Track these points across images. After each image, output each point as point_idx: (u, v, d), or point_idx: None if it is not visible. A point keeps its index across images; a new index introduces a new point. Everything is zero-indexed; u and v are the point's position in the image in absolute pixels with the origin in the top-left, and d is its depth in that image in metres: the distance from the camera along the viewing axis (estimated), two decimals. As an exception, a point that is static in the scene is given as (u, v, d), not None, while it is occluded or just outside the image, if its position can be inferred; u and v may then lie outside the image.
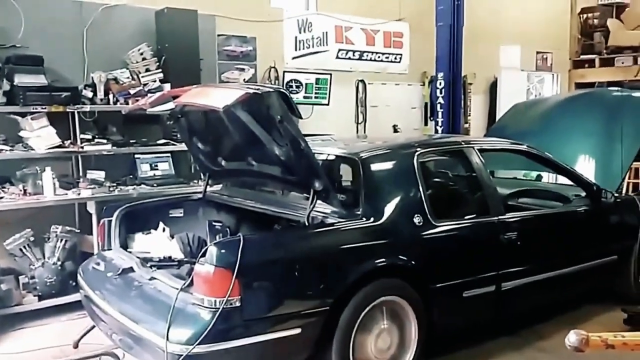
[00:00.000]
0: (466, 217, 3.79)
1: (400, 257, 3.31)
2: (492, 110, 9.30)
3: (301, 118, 3.17)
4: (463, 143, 4.10)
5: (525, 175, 5.51)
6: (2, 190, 4.57)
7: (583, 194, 4.51)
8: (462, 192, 4.21)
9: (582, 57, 10.84)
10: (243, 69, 6.36)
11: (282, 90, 3.01)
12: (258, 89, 2.87)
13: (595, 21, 10.88)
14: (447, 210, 3.69)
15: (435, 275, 3.46)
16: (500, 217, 3.82)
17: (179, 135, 5.07)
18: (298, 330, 2.91)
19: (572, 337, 2.03)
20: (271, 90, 2.92)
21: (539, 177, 5.46)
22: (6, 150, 4.60)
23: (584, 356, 2.19)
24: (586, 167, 5.10)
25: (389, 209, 3.36)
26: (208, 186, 4.22)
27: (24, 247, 4.55)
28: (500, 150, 4.43)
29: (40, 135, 4.69)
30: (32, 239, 4.58)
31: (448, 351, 3.81)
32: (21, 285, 4.58)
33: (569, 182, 4.61)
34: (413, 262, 3.33)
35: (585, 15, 10.99)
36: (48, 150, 4.70)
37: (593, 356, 2.24)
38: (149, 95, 5.01)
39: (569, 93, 9.33)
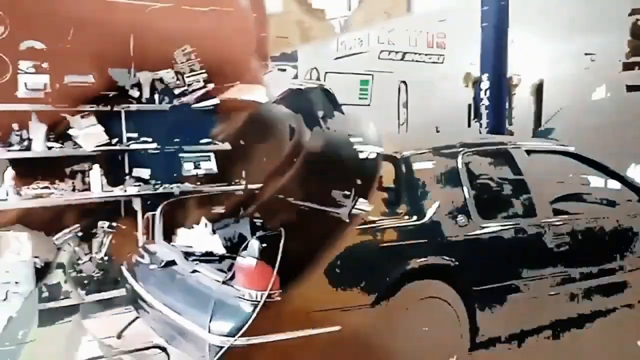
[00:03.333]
0: (512, 219, 3.70)
1: (443, 257, 3.25)
2: (537, 113, 9.08)
3: (343, 114, 3.15)
4: (509, 144, 4.01)
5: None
6: (52, 186, 4.71)
7: (633, 199, 4.33)
8: (508, 193, 4.10)
9: (632, 59, 10.47)
10: (284, 70, 6.39)
11: (325, 86, 3.01)
12: (301, 85, 2.88)
13: (647, 23, 10.51)
14: (492, 211, 3.62)
15: (478, 277, 3.38)
16: (547, 219, 3.72)
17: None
18: (338, 327, 2.89)
19: None
20: (314, 86, 2.92)
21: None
22: (56, 148, 4.75)
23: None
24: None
25: (431, 208, 3.31)
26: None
27: (72, 241, 4.67)
28: (547, 152, 4.31)
29: (88, 133, 4.82)
30: (80, 234, 4.69)
31: (488, 356, 3.71)
32: (69, 280, 4.73)
33: (618, 187, 4.44)
34: (456, 263, 3.26)
35: (636, 17, 10.61)
36: (96, 148, 4.83)
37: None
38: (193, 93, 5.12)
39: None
